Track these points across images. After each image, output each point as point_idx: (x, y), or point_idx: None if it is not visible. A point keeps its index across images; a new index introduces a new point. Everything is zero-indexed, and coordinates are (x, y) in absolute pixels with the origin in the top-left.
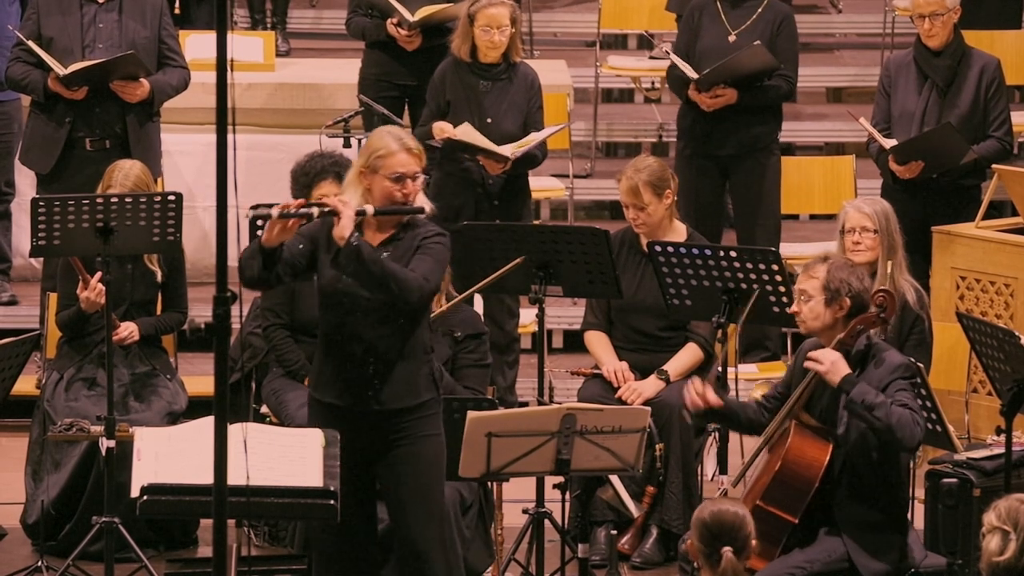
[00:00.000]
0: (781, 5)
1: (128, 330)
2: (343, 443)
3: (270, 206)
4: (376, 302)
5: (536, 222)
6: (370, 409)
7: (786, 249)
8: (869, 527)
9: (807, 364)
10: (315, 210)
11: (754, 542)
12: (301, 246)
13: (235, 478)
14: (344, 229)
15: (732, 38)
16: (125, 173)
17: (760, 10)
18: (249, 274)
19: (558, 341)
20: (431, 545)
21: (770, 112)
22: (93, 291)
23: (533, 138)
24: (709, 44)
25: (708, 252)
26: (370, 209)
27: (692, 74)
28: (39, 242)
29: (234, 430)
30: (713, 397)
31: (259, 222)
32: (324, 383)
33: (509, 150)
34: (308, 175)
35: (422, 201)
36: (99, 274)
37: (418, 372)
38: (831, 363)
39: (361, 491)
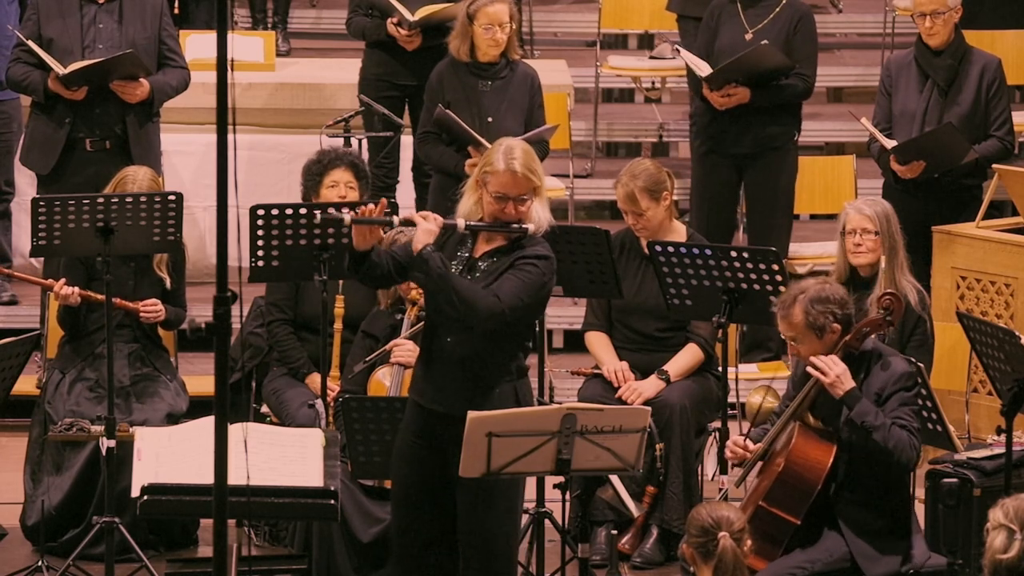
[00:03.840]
0: (800, 4)
1: (156, 306)
2: (433, 444)
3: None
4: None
5: None
6: (458, 414)
7: (789, 248)
8: (871, 528)
9: (809, 370)
10: (396, 219)
11: (749, 542)
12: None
13: (235, 478)
14: (418, 242)
15: (748, 36)
16: (139, 184)
17: (778, 9)
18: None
19: (558, 341)
20: (498, 562)
21: (787, 111)
22: (57, 297)
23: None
24: (726, 43)
25: (708, 252)
26: (461, 224)
27: (702, 72)
28: (39, 242)
29: (234, 430)
30: (753, 446)
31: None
32: (423, 387)
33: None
34: (321, 163)
35: (539, 218)
36: (63, 281)
37: (501, 385)
38: (836, 376)
39: (438, 479)
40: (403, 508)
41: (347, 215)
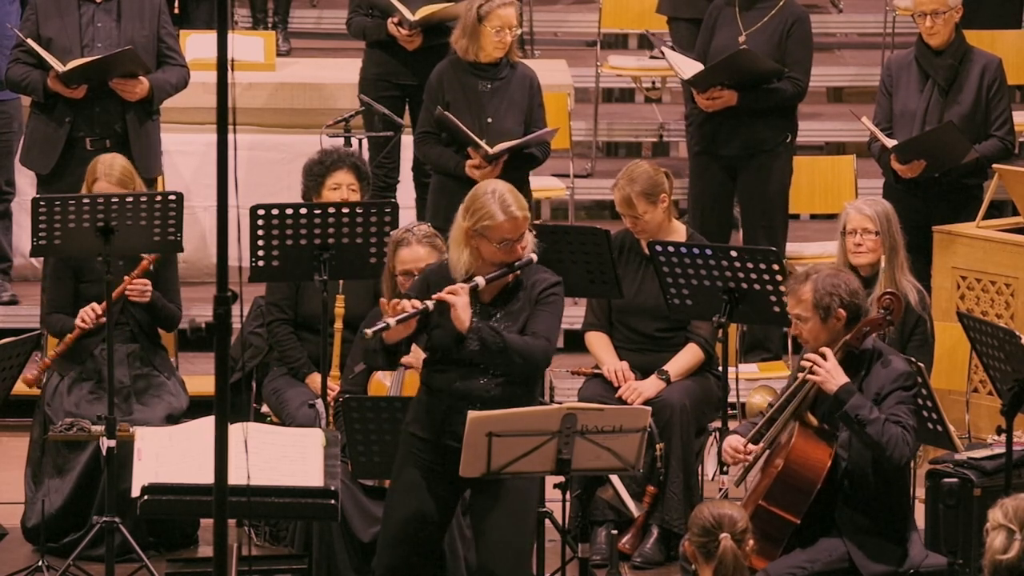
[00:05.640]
0: (796, 7)
1: (145, 285)
2: (438, 473)
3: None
4: None
5: (536, 222)
6: None
7: (787, 249)
8: (870, 528)
9: (803, 363)
10: (430, 305)
11: (751, 542)
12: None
13: (235, 478)
14: (463, 322)
15: (742, 39)
16: (109, 164)
17: (773, 12)
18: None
19: (558, 341)
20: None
21: (779, 115)
22: (87, 320)
23: (521, 141)
24: (720, 45)
25: (708, 252)
26: (481, 281)
27: (684, 74)
28: (39, 242)
29: (235, 430)
30: (752, 447)
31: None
32: (427, 422)
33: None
34: (323, 164)
35: (530, 243)
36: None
37: None
38: (827, 372)
39: (443, 517)
40: (399, 547)
41: (390, 320)
